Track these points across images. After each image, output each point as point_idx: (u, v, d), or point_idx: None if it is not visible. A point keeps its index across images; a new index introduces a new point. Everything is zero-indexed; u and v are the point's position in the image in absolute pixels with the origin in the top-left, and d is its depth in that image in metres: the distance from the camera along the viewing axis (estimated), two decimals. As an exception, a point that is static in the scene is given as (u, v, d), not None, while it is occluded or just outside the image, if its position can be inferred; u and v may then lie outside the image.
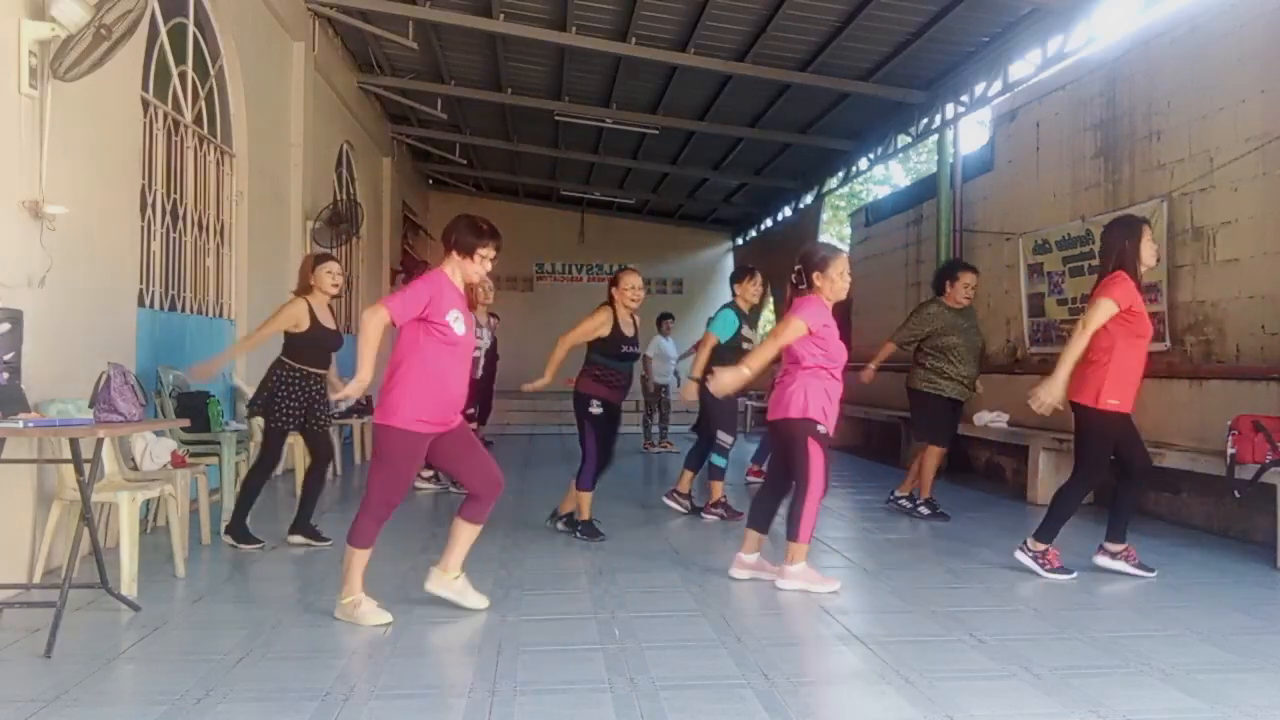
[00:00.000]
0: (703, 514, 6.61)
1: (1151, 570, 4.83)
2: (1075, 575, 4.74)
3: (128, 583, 4.27)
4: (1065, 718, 2.94)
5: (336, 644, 3.64)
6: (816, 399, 4.47)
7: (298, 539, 5.46)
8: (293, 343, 5.32)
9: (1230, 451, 5.18)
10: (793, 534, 4.49)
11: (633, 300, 5.68)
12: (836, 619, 4.06)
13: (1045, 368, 7.45)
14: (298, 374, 5.32)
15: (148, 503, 5.32)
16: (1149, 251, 4.72)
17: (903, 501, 6.74)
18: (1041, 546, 4.81)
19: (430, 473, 7.89)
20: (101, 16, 4.39)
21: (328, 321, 5.45)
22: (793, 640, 3.83)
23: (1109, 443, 4.74)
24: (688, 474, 6.86)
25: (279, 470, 8.26)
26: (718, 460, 6.59)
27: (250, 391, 7.26)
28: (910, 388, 6.69)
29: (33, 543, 4.47)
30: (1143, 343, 4.70)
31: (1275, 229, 5.89)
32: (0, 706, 2.96)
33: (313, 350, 5.37)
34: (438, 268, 4.06)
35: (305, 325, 5.29)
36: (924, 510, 6.57)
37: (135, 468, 5.15)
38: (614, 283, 5.72)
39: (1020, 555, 4.87)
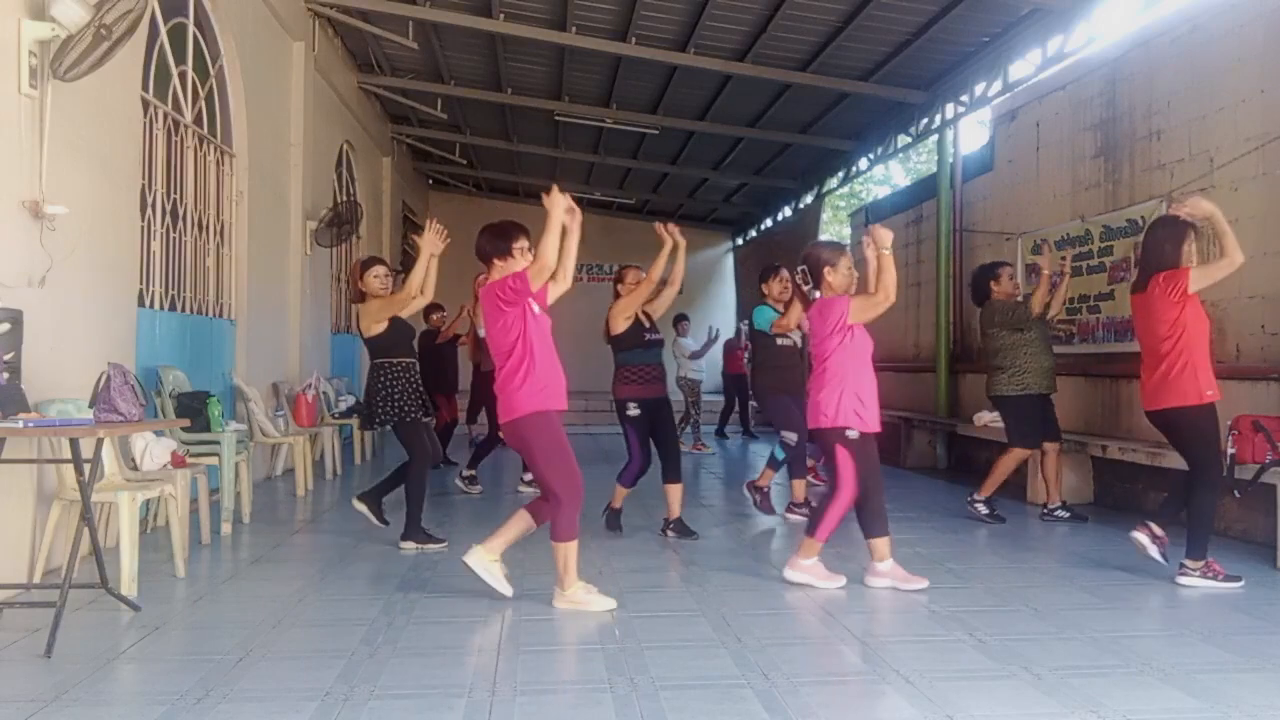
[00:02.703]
0: (785, 514, 6.59)
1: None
2: (1243, 582, 4.61)
3: (128, 583, 4.27)
4: (1065, 718, 2.94)
5: (336, 644, 3.63)
6: (846, 403, 4.55)
7: (410, 545, 5.39)
8: (379, 344, 5.53)
9: (1230, 451, 5.18)
10: (811, 530, 4.64)
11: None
12: (837, 619, 4.06)
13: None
14: (398, 367, 5.54)
15: (148, 503, 5.32)
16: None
17: (979, 507, 6.51)
18: (1200, 563, 4.64)
19: (471, 473, 7.85)
20: (101, 16, 4.39)
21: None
22: (793, 640, 3.82)
23: (1218, 432, 4.70)
24: (797, 483, 6.65)
25: (279, 470, 8.33)
26: (779, 453, 6.61)
27: (250, 391, 7.30)
28: (994, 395, 6.56)
29: (33, 543, 4.47)
30: (1206, 327, 4.73)
31: (1275, 229, 5.89)
32: (0, 706, 2.96)
33: (398, 344, 5.59)
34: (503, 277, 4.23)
35: (385, 326, 5.50)
36: (982, 509, 6.43)
37: (135, 468, 5.15)
38: (619, 280, 5.89)
39: (1185, 579, 4.64)
